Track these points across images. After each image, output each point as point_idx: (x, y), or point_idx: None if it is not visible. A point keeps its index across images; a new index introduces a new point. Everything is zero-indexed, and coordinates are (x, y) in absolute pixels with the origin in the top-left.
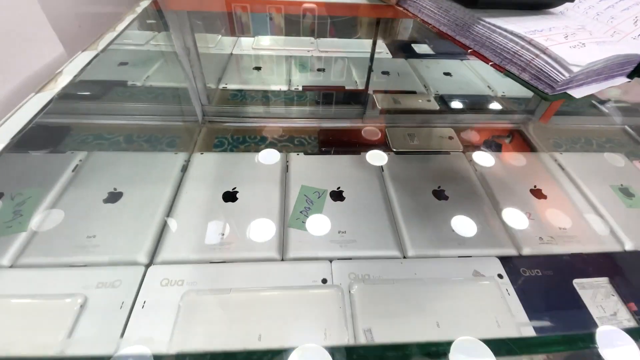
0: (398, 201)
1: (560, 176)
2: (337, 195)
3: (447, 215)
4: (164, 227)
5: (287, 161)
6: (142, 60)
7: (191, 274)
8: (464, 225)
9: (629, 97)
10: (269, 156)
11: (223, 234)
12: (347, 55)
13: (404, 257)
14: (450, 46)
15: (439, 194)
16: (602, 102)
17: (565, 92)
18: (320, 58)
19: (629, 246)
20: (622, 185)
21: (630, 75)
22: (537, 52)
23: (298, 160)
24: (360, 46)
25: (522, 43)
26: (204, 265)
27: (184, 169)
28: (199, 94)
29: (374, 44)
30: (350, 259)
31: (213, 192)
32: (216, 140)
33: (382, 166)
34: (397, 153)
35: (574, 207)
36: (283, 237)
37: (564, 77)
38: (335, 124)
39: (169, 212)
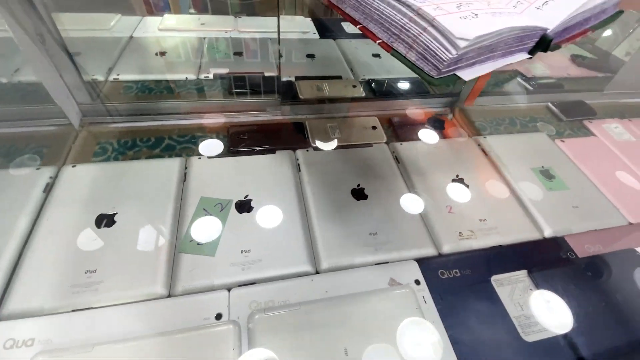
0: (315, 206)
1: (483, 162)
2: (244, 206)
3: (365, 217)
4: (14, 268)
5: (186, 167)
6: None
7: (46, 328)
8: (381, 227)
9: (552, 72)
10: (163, 163)
11: (92, 271)
12: (272, 37)
13: (316, 273)
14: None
15: (358, 193)
16: (527, 78)
17: (454, 74)
18: (240, 40)
19: (548, 232)
20: (543, 167)
21: (532, 52)
22: (425, 24)
23: (200, 165)
24: (290, 25)
25: (410, 14)
26: (65, 315)
27: (48, 188)
28: (71, 91)
29: (279, 21)
30: (254, 283)
31: (84, 216)
32: (98, 147)
33: (299, 165)
34: (316, 149)
35: (494, 196)
36: (172, 266)
37: (450, 56)
38: (251, 118)
39: (23, 247)
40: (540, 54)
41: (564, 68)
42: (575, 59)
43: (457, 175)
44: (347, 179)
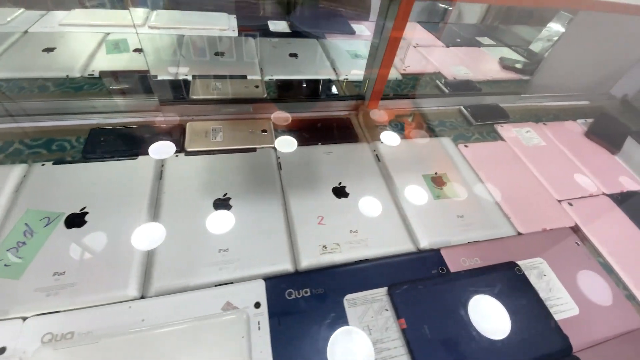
0: (165, 220)
1: (372, 169)
2: (76, 221)
3: (217, 234)
4: None
5: (24, 176)
6: None
7: None
8: (235, 242)
9: (476, 75)
10: None
11: None
12: (187, 32)
13: (142, 297)
14: (311, 25)
15: (221, 205)
16: (446, 81)
17: None
18: (149, 36)
19: (424, 244)
20: (436, 173)
21: None
22: None
23: (41, 173)
24: (207, 21)
25: None
26: None
27: None
28: None
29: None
30: (59, 312)
31: None
32: None
33: (162, 172)
34: (188, 154)
35: (374, 205)
36: None
37: None
38: (127, 119)
39: None
40: (470, 57)
41: (490, 71)
42: (503, 61)
43: (340, 183)
44: (215, 187)
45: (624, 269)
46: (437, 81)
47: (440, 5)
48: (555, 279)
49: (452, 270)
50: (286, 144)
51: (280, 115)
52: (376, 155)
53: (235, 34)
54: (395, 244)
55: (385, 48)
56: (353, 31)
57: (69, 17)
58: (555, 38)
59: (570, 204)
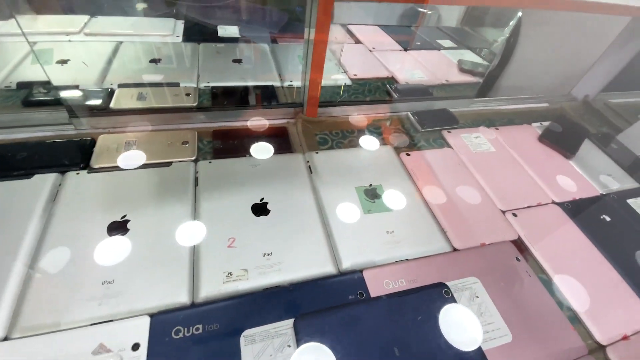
0: (47, 248)
1: (302, 183)
2: None
3: (105, 263)
4: None
5: None
6: None
7: None
8: (124, 272)
9: (431, 79)
10: None
11: None
12: (124, 39)
13: (5, 338)
14: (257, 28)
15: (117, 229)
16: (397, 86)
17: None
18: (83, 44)
19: (346, 266)
20: (371, 185)
21: None
22: None
23: None
24: (152, 27)
25: None
26: None
27: None
28: None
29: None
30: None
31: None
32: None
33: (57, 193)
34: (93, 171)
35: (296, 223)
36: None
37: None
38: (36, 134)
39: None
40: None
41: (446, 74)
42: (460, 64)
43: (262, 199)
44: (113, 209)
45: (569, 287)
46: (388, 86)
47: (419, 9)
48: (488, 301)
49: (372, 294)
50: (202, 155)
51: (208, 125)
52: (309, 166)
53: (179, 39)
54: (313, 267)
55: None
56: (275, 29)
57: (5, 26)
58: (511, 39)
59: (515, 215)
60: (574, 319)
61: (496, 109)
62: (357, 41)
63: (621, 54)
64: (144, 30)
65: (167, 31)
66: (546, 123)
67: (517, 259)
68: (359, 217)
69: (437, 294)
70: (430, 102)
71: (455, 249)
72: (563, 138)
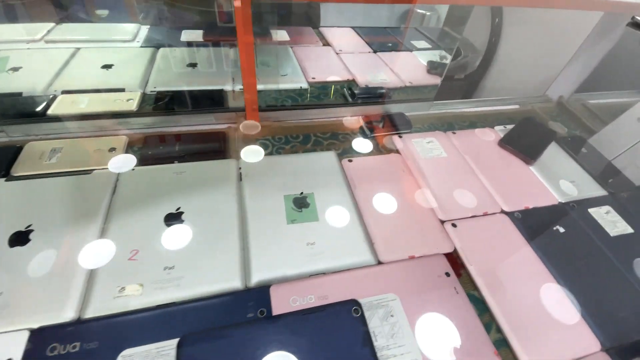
0: None
1: (229, 191)
2: None
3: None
4: None
5: None
6: None
7: None
8: (16, 285)
9: (393, 81)
10: None
11: None
12: (85, 46)
13: None
14: (226, 31)
15: (18, 241)
16: (354, 90)
17: None
18: (42, 51)
19: (255, 280)
20: (302, 193)
21: None
22: None
23: None
24: (112, 33)
25: None
26: None
27: None
28: None
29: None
30: None
31: None
32: None
33: None
34: (12, 179)
35: (210, 234)
36: None
37: None
38: None
39: None
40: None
41: (412, 76)
42: (429, 65)
43: (178, 209)
44: (19, 219)
45: (501, 306)
46: (345, 89)
47: (418, 10)
48: (404, 321)
49: (275, 312)
50: (126, 162)
51: (145, 131)
52: (240, 173)
53: (139, 44)
54: (218, 282)
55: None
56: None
57: None
58: (492, 39)
59: (454, 226)
60: (502, 342)
61: (459, 112)
62: (326, 44)
63: (594, 51)
64: (104, 36)
65: (128, 36)
66: (510, 126)
67: (447, 274)
68: (280, 228)
69: (344, 313)
70: (387, 106)
71: (380, 262)
72: (526, 142)
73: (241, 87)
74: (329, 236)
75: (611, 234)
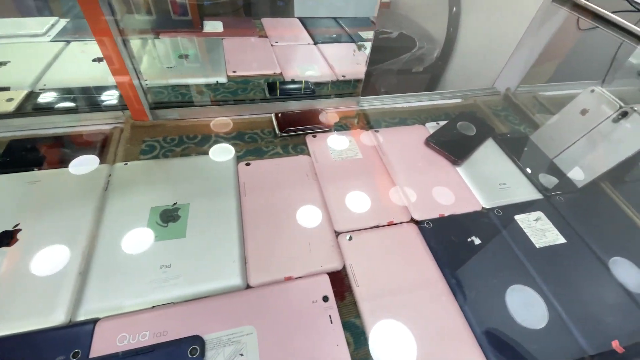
0: None
1: (87, 203)
2: None
3: None
4: None
5: None
6: None
7: None
8: None
9: (323, 75)
10: None
11: None
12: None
13: None
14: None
15: None
16: (271, 84)
17: None
18: None
19: (82, 312)
20: (175, 204)
21: None
22: None
23: None
24: (29, 27)
25: None
26: None
27: None
28: None
29: None
30: None
31: None
32: None
33: None
34: None
35: (43, 259)
36: None
37: None
38: None
39: None
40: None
41: (347, 69)
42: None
43: (16, 225)
44: None
45: (386, 339)
46: (266, 84)
47: None
48: None
49: (94, 353)
50: None
51: (15, 134)
52: (109, 181)
53: (49, 39)
54: (35, 317)
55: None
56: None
57: None
58: (450, 29)
59: (350, 238)
60: None
61: (390, 108)
62: (264, 35)
63: (537, 39)
64: (10, 31)
65: (38, 30)
66: (442, 122)
67: (325, 299)
68: (133, 248)
69: (178, 354)
70: (311, 101)
71: (249, 286)
72: (456, 141)
73: (146, 82)
74: (192, 256)
75: (537, 245)
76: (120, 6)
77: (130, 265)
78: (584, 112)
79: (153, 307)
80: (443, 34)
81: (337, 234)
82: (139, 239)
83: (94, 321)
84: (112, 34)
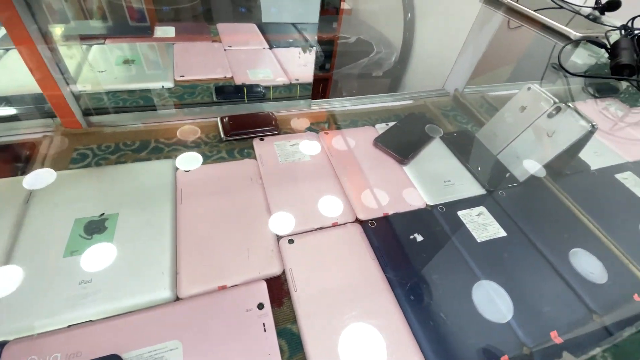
0: None
1: (2, 219)
2: None
3: None
4: None
5: None
6: None
7: None
8: None
9: (272, 79)
10: None
11: None
12: None
13: None
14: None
15: None
16: (219, 88)
17: None
18: None
19: None
20: (102, 214)
21: None
22: None
23: None
24: None
25: None
26: None
27: None
28: None
29: None
30: None
31: None
32: None
33: None
34: None
35: None
36: None
37: None
38: None
39: None
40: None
41: (300, 73)
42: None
43: None
44: None
45: (315, 344)
46: (213, 88)
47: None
48: None
49: None
50: None
51: None
52: (31, 193)
53: None
54: None
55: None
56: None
57: None
58: (406, 34)
59: (291, 242)
60: None
61: (341, 110)
62: (216, 40)
63: (478, 41)
64: None
65: None
66: (392, 124)
67: (260, 306)
68: (50, 263)
69: None
70: (261, 105)
71: (178, 298)
72: (403, 141)
73: (83, 88)
74: (118, 269)
75: (478, 240)
76: (48, 14)
77: (44, 282)
78: (522, 109)
79: (69, 326)
80: (400, 39)
81: (279, 238)
82: (54, 255)
83: (2, 344)
84: (33, 42)
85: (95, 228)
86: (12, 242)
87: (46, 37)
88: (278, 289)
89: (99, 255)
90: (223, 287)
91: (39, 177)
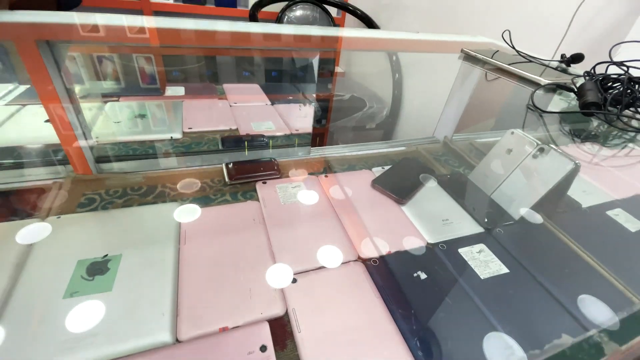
0: None
1: (3, 261)
2: None
3: None
4: None
5: None
6: None
7: None
8: None
9: (275, 130)
10: None
11: None
12: None
13: None
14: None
15: None
16: (225, 138)
17: None
18: None
19: None
20: (106, 256)
21: None
22: None
23: None
24: None
25: None
26: None
27: None
28: None
29: None
30: None
31: None
32: None
33: None
34: None
35: None
36: None
37: None
38: None
39: None
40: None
41: (300, 124)
42: (316, 115)
43: None
44: None
45: None
46: (219, 138)
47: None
48: None
49: None
50: None
51: None
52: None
53: (3, 103)
54: None
55: None
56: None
57: None
58: (395, 91)
59: (294, 281)
60: None
61: (339, 156)
62: (223, 98)
63: (461, 93)
64: None
65: None
66: (387, 167)
67: (262, 348)
68: (47, 305)
69: None
70: (263, 152)
71: (178, 341)
72: (400, 182)
73: (97, 138)
74: (116, 311)
75: (482, 277)
76: (74, 75)
77: (38, 326)
78: (508, 151)
79: None
80: (390, 95)
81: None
82: (53, 296)
83: None
84: (59, 100)
85: (98, 269)
86: (14, 283)
87: (70, 96)
88: (281, 330)
89: (98, 297)
90: (224, 329)
91: (47, 220)
